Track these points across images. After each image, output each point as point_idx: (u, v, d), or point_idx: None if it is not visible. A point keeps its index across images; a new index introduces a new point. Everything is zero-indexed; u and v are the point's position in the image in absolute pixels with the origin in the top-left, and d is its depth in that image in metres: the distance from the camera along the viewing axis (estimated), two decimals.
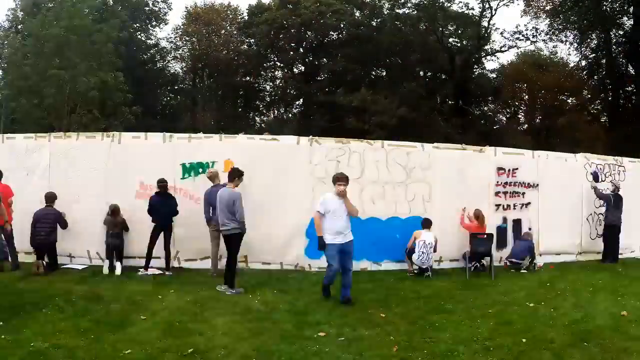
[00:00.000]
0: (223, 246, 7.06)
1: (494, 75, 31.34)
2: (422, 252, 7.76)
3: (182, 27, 33.29)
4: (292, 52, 31.65)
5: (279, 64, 32.86)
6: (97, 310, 5.43)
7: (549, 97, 26.95)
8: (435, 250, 7.96)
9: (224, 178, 7.47)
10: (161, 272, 7.61)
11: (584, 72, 25.43)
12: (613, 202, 9.20)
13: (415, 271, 7.97)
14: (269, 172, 8.12)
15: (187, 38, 33.15)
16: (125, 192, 8.03)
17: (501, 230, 8.84)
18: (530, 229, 9.00)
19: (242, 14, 33.25)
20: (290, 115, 34.25)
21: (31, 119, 19.88)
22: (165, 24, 33.28)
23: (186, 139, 8.41)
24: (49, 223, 7.52)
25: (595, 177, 9.42)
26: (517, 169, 9.09)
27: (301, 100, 32.57)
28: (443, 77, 29.29)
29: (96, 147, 8.26)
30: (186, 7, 38.53)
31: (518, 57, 30.59)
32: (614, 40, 23.81)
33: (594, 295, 6.51)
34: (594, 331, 4.91)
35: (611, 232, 9.20)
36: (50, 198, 7.65)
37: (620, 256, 9.42)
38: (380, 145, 8.63)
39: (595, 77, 25.24)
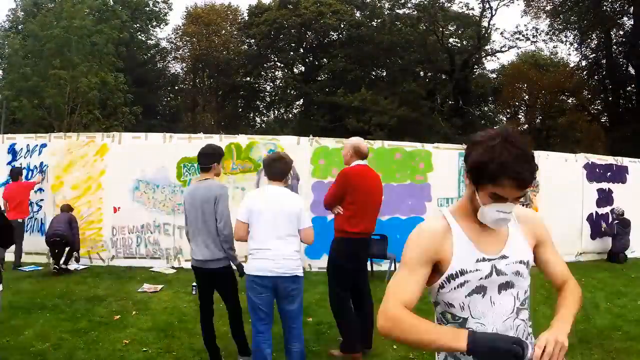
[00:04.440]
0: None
1: (494, 76, 31.34)
2: None
3: (182, 27, 33.31)
4: (292, 52, 31.65)
5: (279, 64, 32.86)
6: (97, 310, 5.43)
7: (549, 97, 26.90)
8: None
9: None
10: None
11: (584, 72, 25.37)
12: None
13: None
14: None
15: (187, 38, 33.15)
16: (125, 192, 8.04)
17: None
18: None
19: (242, 14, 33.31)
20: (290, 115, 34.28)
21: (32, 119, 19.84)
22: (166, 25, 33.28)
23: (186, 139, 8.43)
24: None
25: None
26: None
27: (301, 100, 32.56)
28: (443, 77, 29.22)
29: (96, 147, 8.26)
30: (186, 8, 38.73)
31: (518, 57, 30.63)
32: (614, 40, 23.76)
33: (594, 295, 6.51)
34: (594, 331, 4.91)
35: None
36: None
37: None
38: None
39: (595, 77, 25.19)
